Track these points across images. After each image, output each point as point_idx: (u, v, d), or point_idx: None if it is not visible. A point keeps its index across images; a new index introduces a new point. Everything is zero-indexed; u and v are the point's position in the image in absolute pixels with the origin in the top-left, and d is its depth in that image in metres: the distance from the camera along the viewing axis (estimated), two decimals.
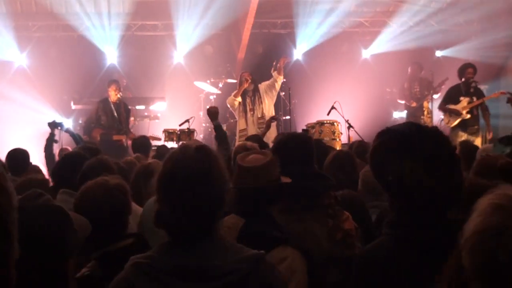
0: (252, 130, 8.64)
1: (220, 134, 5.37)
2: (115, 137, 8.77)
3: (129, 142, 8.89)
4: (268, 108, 8.92)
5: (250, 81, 8.76)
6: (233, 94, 8.96)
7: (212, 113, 5.66)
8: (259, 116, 8.85)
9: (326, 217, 2.77)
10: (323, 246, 2.72)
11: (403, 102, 10.80)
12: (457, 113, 8.64)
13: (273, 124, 8.47)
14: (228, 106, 9.09)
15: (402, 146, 1.74)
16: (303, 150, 2.89)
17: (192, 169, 1.69)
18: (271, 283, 1.72)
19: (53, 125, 6.20)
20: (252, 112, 8.85)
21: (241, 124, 8.95)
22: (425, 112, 10.08)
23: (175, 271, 1.65)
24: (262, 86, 8.96)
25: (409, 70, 10.77)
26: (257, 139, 5.28)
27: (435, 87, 10.12)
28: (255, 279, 1.67)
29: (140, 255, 1.72)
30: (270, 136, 7.48)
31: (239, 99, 8.84)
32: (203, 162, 1.72)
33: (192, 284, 1.63)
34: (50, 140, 5.99)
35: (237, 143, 8.85)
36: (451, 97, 8.79)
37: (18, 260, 0.75)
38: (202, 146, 1.79)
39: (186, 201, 1.67)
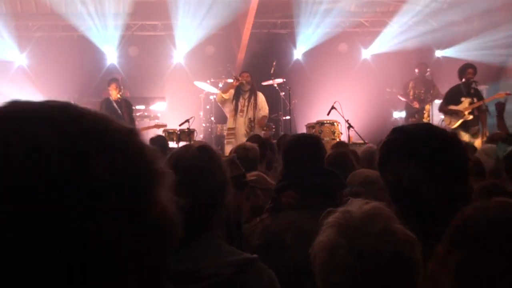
0: (241, 131, 8.52)
1: None
2: None
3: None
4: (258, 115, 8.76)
5: (244, 82, 8.54)
6: (220, 90, 8.84)
7: None
8: (252, 118, 8.61)
9: None
10: None
11: (404, 99, 10.73)
12: (459, 114, 8.60)
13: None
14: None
15: (408, 148, 1.69)
16: (315, 148, 2.89)
17: (191, 164, 1.68)
18: None
19: None
20: (242, 113, 8.63)
21: (230, 123, 8.77)
22: (425, 115, 10.06)
23: None
24: (260, 96, 8.80)
25: (416, 71, 10.67)
26: (257, 139, 5.27)
27: (441, 95, 10.07)
28: (237, 284, 1.62)
29: None
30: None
31: (226, 96, 8.66)
32: (203, 159, 1.70)
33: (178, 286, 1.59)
34: None
35: (225, 141, 8.83)
36: (451, 98, 8.74)
37: None
38: (205, 146, 1.79)
39: (180, 195, 1.65)
